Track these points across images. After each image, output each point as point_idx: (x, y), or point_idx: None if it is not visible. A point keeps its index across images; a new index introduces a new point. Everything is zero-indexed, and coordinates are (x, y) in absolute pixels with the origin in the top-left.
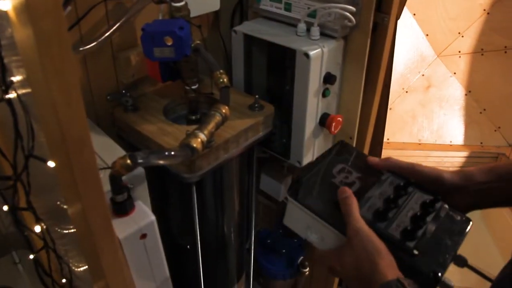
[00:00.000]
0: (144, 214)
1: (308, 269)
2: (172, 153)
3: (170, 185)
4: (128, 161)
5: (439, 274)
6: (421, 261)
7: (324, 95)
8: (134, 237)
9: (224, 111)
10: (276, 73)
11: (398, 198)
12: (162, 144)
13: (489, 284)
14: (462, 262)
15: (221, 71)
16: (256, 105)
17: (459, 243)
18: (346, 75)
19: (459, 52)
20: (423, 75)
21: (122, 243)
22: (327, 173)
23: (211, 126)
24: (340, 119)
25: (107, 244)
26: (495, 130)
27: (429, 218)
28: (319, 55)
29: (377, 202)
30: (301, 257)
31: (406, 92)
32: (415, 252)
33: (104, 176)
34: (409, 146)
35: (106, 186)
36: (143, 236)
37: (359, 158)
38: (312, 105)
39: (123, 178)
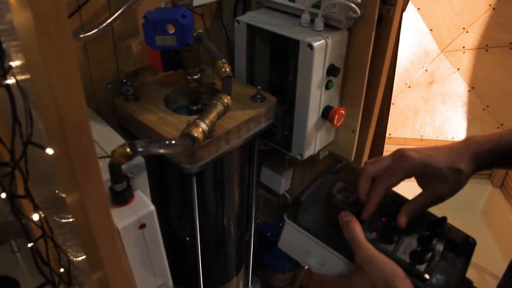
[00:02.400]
0: (143, 204)
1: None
2: (173, 142)
3: (170, 175)
4: (128, 150)
5: None
6: (433, 285)
7: (327, 87)
8: (133, 227)
9: (226, 100)
10: (279, 65)
11: None
12: (162, 134)
13: None
14: (468, 285)
15: (223, 60)
16: (258, 96)
17: (467, 265)
18: (350, 67)
19: (463, 47)
20: (426, 70)
21: (120, 233)
22: (326, 193)
23: (212, 115)
24: (343, 112)
25: (106, 234)
26: (498, 127)
27: (436, 239)
28: (323, 47)
29: (381, 223)
30: None
31: (409, 87)
32: (426, 276)
33: (104, 165)
34: (410, 142)
35: (106, 175)
36: (142, 226)
37: (356, 176)
38: (315, 97)
39: (123, 167)
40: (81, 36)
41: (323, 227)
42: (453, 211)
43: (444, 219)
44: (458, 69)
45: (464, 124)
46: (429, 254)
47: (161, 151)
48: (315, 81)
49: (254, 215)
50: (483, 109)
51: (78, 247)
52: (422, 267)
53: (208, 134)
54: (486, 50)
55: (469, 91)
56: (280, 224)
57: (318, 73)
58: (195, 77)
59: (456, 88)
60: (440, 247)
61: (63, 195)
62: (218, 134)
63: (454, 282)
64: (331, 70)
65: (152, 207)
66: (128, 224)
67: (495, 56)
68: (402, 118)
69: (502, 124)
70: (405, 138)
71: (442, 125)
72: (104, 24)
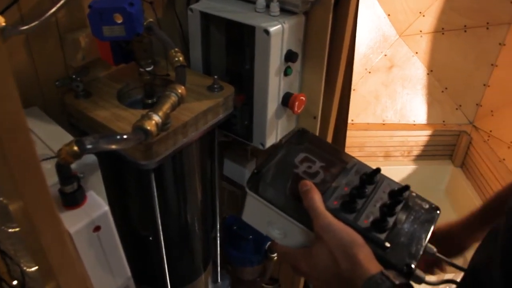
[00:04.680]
0: (96, 205)
1: (276, 254)
2: (124, 136)
3: (127, 173)
4: (75, 148)
5: (412, 266)
6: (393, 253)
7: (286, 73)
8: (86, 230)
9: (180, 91)
10: (235, 53)
11: (365, 187)
12: (116, 130)
13: None
14: (430, 253)
15: (176, 49)
16: (215, 86)
17: (429, 232)
18: (308, 52)
19: (421, 31)
20: (385, 55)
21: (73, 238)
22: (288, 163)
23: (166, 107)
24: (303, 98)
25: (55, 241)
26: (457, 109)
27: (398, 208)
28: (280, 32)
29: (343, 193)
30: (269, 243)
31: (369, 72)
32: (387, 244)
33: (53, 167)
34: (373, 127)
35: (55, 177)
36: (97, 228)
37: (321, 146)
38: (274, 84)
39: (73, 166)
40: (21, 29)
41: (284, 198)
42: (417, 191)
43: (407, 187)
44: (416, 52)
45: (424, 107)
46: (391, 223)
47: (112, 147)
48: (273, 68)
49: (219, 209)
50: (442, 92)
51: (30, 257)
52: (383, 235)
53: (162, 127)
54: (443, 34)
55: (427, 74)
56: None
57: (275, 59)
58: (148, 69)
59: (415, 72)
60: (402, 215)
61: (5, 202)
62: (174, 127)
63: (415, 250)
64: (289, 56)
65: (106, 208)
66: (81, 227)
67: (451, 39)
68: (363, 103)
69: (460, 105)
70: (367, 123)
71: (403, 108)
72: (46, 15)
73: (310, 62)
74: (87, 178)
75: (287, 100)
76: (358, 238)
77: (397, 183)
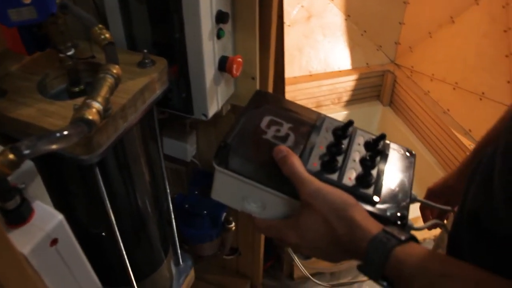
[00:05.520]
0: (48, 216)
1: (233, 223)
2: (65, 133)
3: (69, 172)
4: (11, 156)
5: (404, 216)
6: (383, 207)
7: (218, 36)
8: (42, 247)
9: (115, 71)
10: (161, 22)
11: (342, 143)
12: (47, 127)
13: None
14: (414, 199)
15: (100, 26)
16: (147, 61)
17: (411, 178)
18: (238, 11)
19: None
20: (302, 6)
21: (28, 259)
22: (255, 130)
23: (104, 91)
24: (240, 59)
25: (9, 268)
26: (377, 50)
27: (378, 158)
28: None
29: (320, 153)
30: (224, 213)
31: (289, 25)
32: (376, 199)
33: None
34: (301, 79)
35: None
36: (54, 241)
37: (283, 106)
38: (208, 49)
39: (10, 178)
40: None
41: (258, 168)
42: None
43: (382, 136)
44: (332, 0)
45: (347, 52)
46: (375, 175)
47: (54, 147)
48: (205, 32)
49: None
50: (361, 35)
51: None
52: (370, 190)
53: (104, 114)
54: None
55: (345, 20)
56: (196, 192)
57: (206, 22)
58: (68, 53)
59: (333, 19)
60: (383, 165)
61: None
62: (113, 112)
63: (403, 199)
64: (220, 17)
65: (60, 216)
66: (35, 245)
67: None
68: (288, 57)
69: (380, 46)
70: (294, 77)
71: (326, 57)
72: None
73: (241, 21)
74: (27, 187)
75: (224, 64)
76: (349, 199)
77: (369, 133)
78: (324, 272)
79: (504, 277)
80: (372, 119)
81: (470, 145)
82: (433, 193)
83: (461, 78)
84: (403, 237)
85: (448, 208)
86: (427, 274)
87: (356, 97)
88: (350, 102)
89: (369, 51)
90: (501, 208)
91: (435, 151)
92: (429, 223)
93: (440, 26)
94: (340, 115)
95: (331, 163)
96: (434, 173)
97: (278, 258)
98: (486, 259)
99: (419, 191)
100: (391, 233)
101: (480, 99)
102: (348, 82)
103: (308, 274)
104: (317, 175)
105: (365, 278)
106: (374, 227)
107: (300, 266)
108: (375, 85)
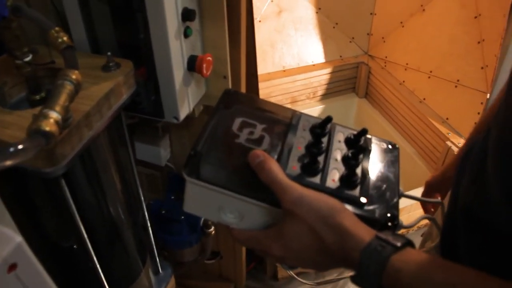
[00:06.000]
0: (4, 239)
1: (212, 228)
2: (20, 147)
3: (32, 186)
4: None
5: (395, 216)
6: (372, 208)
7: (186, 35)
8: None
9: (74, 76)
10: (125, 22)
11: (320, 141)
12: (5, 140)
13: None
14: (401, 194)
15: (57, 29)
16: (111, 64)
17: (397, 173)
18: (205, 7)
19: None
20: (272, 1)
21: None
22: (226, 134)
23: (62, 99)
24: (209, 58)
25: None
26: (350, 41)
27: (361, 156)
28: None
29: (299, 154)
30: (202, 218)
31: (260, 21)
32: (363, 200)
33: None
34: (275, 75)
35: None
36: (12, 267)
37: (255, 105)
38: (176, 48)
39: None
40: None
41: (232, 175)
42: None
43: (364, 131)
44: None
45: (319, 46)
46: (359, 174)
47: (8, 163)
48: (171, 31)
49: (143, 196)
50: (333, 27)
51: None
52: (356, 191)
53: (63, 124)
54: None
55: (316, 13)
56: (172, 197)
57: (172, 20)
58: (26, 59)
59: (304, 13)
60: (367, 163)
61: None
62: (76, 121)
63: (392, 197)
64: (186, 14)
65: (19, 239)
66: None
67: None
68: (260, 53)
69: (353, 38)
70: (268, 73)
71: (299, 51)
72: None
73: (209, 18)
74: None
75: (193, 64)
76: (336, 204)
77: (349, 128)
78: (308, 271)
79: (504, 276)
80: (348, 112)
81: (448, 134)
82: (431, 187)
83: (435, 67)
84: (399, 244)
85: (438, 200)
86: (429, 283)
87: (331, 91)
88: (325, 96)
89: (342, 43)
90: (497, 202)
91: (413, 141)
92: (419, 219)
93: (411, 15)
94: (316, 109)
95: (312, 165)
96: (413, 163)
97: (261, 259)
98: (484, 257)
99: (401, 184)
100: (386, 239)
101: (456, 86)
102: (323, 76)
103: (293, 274)
104: (298, 179)
105: (350, 273)
106: (366, 233)
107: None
108: (349, 78)
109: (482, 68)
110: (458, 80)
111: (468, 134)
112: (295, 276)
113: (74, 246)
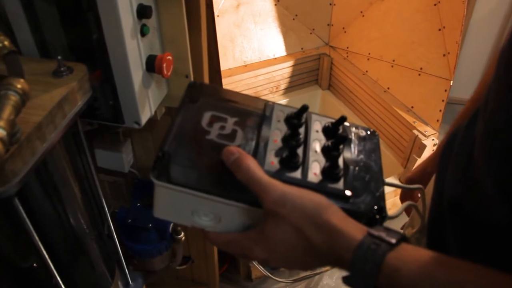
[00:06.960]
0: None
1: (182, 234)
2: None
3: None
4: None
5: (382, 207)
6: (357, 201)
7: (142, 33)
8: None
9: (19, 86)
10: (75, 23)
11: (298, 132)
12: None
13: None
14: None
15: None
16: (62, 68)
17: (380, 161)
18: (162, 3)
19: None
20: None
21: None
22: (196, 131)
23: (6, 113)
24: (170, 57)
25: None
26: (311, 33)
27: (341, 145)
28: None
29: (276, 148)
30: (171, 224)
31: (218, 16)
32: (348, 193)
33: None
34: (236, 71)
35: None
36: None
37: (224, 97)
38: (132, 48)
39: None
40: None
41: (205, 176)
42: None
43: (343, 119)
44: None
45: (280, 38)
46: (341, 166)
47: None
48: (126, 29)
49: (106, 205)
50: (293, 19)
51: None
52: (340, 184)
53: (11, 140)
54: None
55: (275, 5)
56: (139, 204)
57: (127, 17)
58: None
59: (263, 6)
60: (348, 153)
61: None
62: (26, 134)
63: (376, 187)
64: (142, 11)
65: None
66: None
67: None
68: (220, 48)
69: (313, 29)
70: (230, 69)
71: (260, 46)
72: None
73: (167, 14)
74: None
75: (152, 64)
76: (322, 200)
77: (326, 116)
78: (283, 269)
79: (499, 268)
80: (312, 104)
81: (414, 122)
82: (412, 182)
83: (397, 55)
84: (393, 240)
85: (420, 186)
86: (430, 282)
87: (294, 84)
88: (288, 90)
89: (303, 35)
90: (490, 195)
91: (380, 131)
92: (403, 207)
93: (371, 4)
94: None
95: (291, 158)
96: (381, 153)
97: (233, 260)
98: (475, 252)
99: None
100: (379, 236)
101: (419, 74)
102: (285, 69)
103: (267, 273)
104: (278, 175)
105: (325, 268)
106: (357, 230)
107: (258, 266)
108: (312, 70)
109: (444, 55)
110: (421, 68)
111: (433, 123)
112: (270, 275)
113: (34, 265)
